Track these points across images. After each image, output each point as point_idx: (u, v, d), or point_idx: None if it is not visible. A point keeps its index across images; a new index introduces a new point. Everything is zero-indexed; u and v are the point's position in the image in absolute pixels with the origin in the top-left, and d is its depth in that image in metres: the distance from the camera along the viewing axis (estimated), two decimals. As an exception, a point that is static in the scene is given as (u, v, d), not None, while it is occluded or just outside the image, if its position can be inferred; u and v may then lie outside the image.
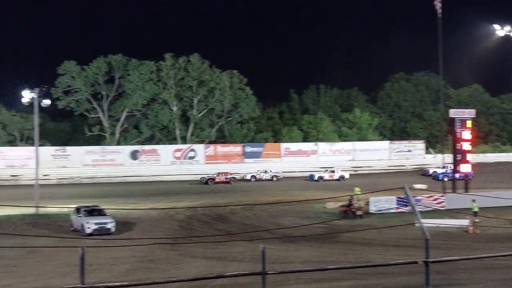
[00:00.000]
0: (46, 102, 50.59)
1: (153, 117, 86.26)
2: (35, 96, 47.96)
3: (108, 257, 25.79)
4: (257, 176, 73.54)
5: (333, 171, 73.71)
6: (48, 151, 75.42)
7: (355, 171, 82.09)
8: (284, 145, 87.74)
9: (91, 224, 34.05)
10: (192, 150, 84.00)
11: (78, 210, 36.15)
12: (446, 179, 60.04)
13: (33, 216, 42.04)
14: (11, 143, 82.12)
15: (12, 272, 24.13)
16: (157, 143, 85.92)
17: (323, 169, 75.53)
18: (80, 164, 78.53)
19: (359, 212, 41.46)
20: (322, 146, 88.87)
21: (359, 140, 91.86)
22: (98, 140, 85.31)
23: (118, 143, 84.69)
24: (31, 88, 48.54)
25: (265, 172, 74.66)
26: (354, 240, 31.76)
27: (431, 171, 73.98)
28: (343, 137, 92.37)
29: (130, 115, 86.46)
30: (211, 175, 71.37)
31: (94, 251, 24.61)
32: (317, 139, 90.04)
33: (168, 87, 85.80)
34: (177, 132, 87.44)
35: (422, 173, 76.66)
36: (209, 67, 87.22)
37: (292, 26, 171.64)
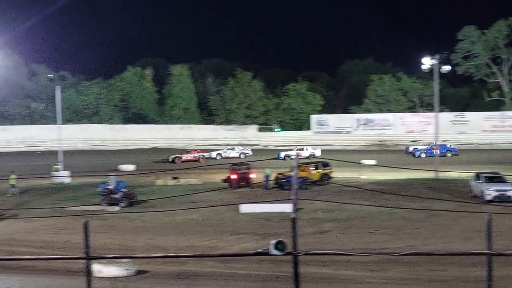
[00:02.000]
0: (446, 68, 51.03)
1: None
2: (435, 63, 48.79)
3: (509, 225, 25.07)
4: (223, 154, 68.19)
5: (301, 149, 65.49)
6: (446, 117, 76.21)
7: None
8: None
9: (491, 191, 33.39)
10: None
11: (478, 176, 35.74)
12: (423, 156, 62.03)
13: (432, 181, 43.13)
14: (411, 109, 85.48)
15: (414, 234, 25.36)
16: None
17: None
18: (478, 130, 77.68)
19: None
20: None
21: None
22: (497, 106, 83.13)
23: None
24: (431, 54, 49.50)
25: (232, 149, 69.63)
26: None
27: (411, 148, 67.40)
28: None
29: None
30: (178, 154, 65.88)
31: (495, 218, 24.15)
32: None
33: None
34: None
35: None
36: None
37: None
